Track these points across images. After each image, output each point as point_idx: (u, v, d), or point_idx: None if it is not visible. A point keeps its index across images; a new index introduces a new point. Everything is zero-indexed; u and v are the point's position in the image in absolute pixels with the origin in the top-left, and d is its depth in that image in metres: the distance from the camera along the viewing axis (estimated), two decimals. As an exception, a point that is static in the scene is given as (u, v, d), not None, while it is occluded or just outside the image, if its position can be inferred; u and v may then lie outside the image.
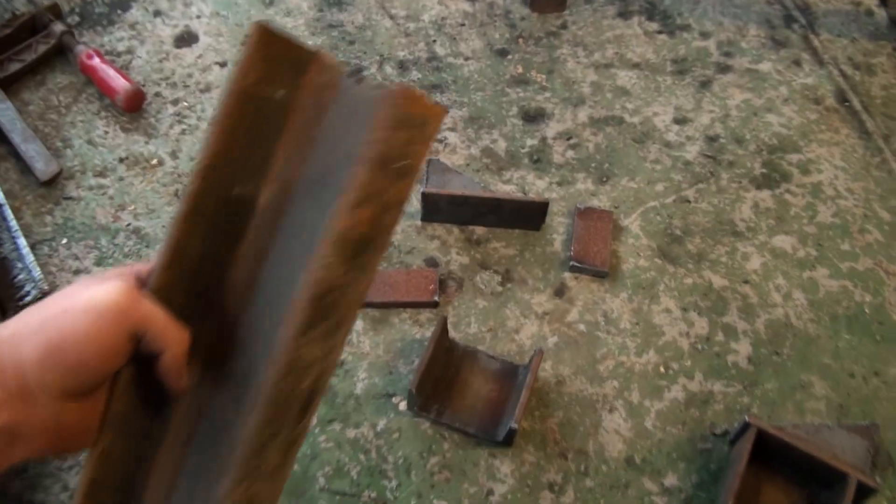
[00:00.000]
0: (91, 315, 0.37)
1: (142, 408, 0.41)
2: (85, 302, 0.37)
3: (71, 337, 0.37)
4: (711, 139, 1.21)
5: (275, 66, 0.39)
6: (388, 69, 1.24)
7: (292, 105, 0.41)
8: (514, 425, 0.86)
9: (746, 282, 1.06)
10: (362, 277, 0.38)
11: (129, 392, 0.40)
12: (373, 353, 0.97)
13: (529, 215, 1.07)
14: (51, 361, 0.37)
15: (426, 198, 1.05)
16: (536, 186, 1.13)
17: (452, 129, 1.18)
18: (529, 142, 1.18)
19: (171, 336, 0.39)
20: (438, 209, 1.06)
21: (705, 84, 1.28)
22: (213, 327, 0.41)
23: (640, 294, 1.04)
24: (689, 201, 1.14)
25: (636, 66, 1.29)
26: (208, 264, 0.41)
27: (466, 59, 1.27)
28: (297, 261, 0.38)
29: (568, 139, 1.19)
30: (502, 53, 1.29)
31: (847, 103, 1.27)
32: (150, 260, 0.42)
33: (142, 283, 0.41)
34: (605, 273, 1.04)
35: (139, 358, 0.40)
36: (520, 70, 1.27)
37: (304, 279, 0.37)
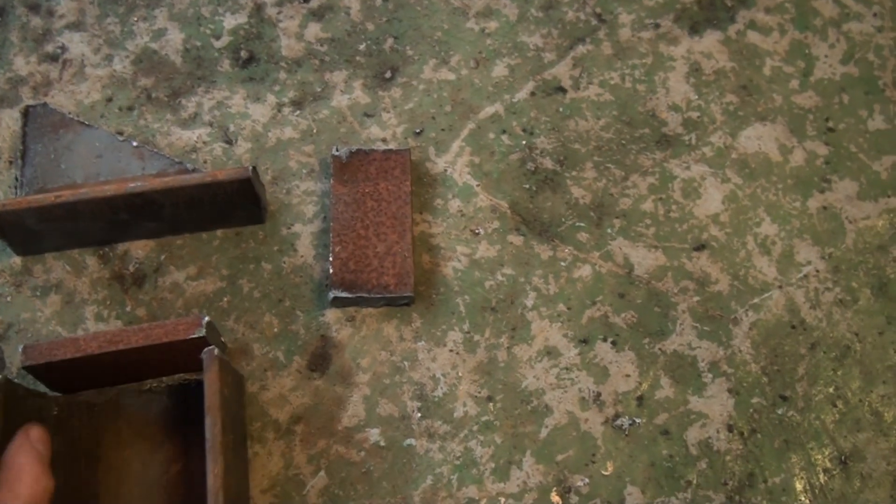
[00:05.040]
0: None
1: None
2: None
3: None
4: (591, -59, 0.61)
5: None
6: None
7: None
8: None
9: (701, 246, 0.52)
10: None
11: None
12: None
13: (226, 204, 0.49)
14: None
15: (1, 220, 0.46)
16: (252, 119, 0.55)
17: (76, 27, 0.57)
18: (231, 19, 0.57)
19: None
20: (42, 233, 0.48)
21: None
22: None
23: (490, 327, 0.50)
24: (563, 88, 0.56)
25: None
26: None
27: None
28: None
29: (308, -1, 0.58)
30: None
31: None
32: None
33: None
34: (408, 297, 0.49)
35: None
36: None
37: None
